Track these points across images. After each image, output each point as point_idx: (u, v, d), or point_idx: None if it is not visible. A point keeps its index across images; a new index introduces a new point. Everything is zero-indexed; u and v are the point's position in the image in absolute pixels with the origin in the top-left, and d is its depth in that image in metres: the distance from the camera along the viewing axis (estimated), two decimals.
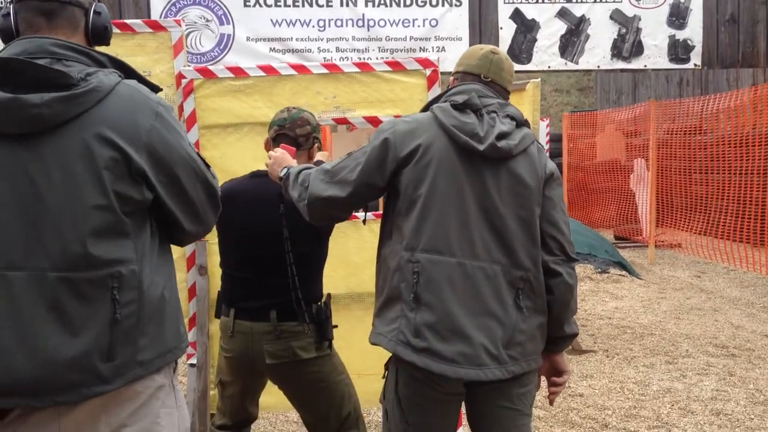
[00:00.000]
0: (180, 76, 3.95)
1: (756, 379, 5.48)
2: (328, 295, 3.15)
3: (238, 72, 3.95)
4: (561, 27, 9.54)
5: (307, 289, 2.98)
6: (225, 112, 3.98)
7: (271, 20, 9.35)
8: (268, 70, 3.97)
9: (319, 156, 3.29)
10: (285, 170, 2.70)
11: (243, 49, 9.34)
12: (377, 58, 9.46)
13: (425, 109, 2.61)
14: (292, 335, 2.95)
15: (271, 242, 2.94)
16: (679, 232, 11.74)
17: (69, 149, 1.83)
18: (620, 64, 9.66)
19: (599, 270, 9.24)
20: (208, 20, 9.29)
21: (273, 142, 3.09)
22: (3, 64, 1.84)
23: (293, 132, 3.05)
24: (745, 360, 5.97)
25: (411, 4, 9.48)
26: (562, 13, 9.50)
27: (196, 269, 3.98)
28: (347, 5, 9.41)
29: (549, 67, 9.66)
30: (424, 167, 2.41)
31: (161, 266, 1.97)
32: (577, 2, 9.54)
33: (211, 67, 3.97)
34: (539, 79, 6.07)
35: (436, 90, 3.98)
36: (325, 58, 9.39)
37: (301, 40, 9.37)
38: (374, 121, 4.02)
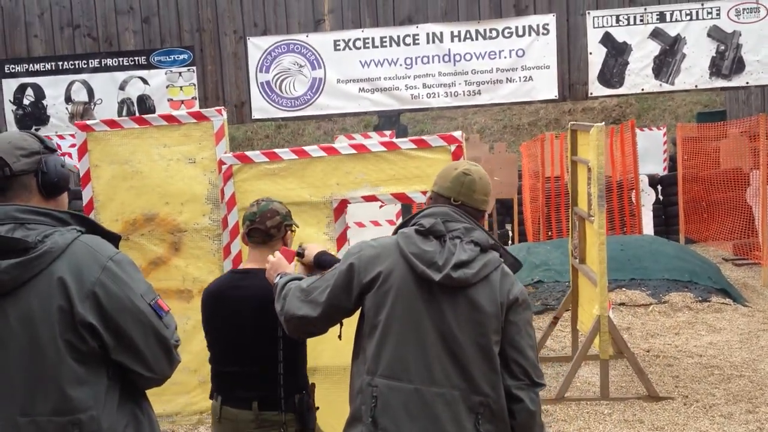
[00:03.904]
0: (221, 163, 4.24)
1: None
2: (312, 384, 3.28)
3: (272, 156, 4.20)
4: (654, 48, 9.26)
5: (289, 381, 3.11)
6: (262, 194, 4.22)
7: (360, 61, 9.61)
8: (300, 153, 4.19)
9: (314, 248, 3.34)
10: (278, 277, 2.84)
11: (334, 90, 9.66)
12: (464, 92, 9.56)
13: (397, 230, 2.68)
14: (273, 424, 3.08)
15: (252, 338, 3.10)
16: None
17: (28, 307, 2.08)
18: (720, 83, 9.26)
19: (699, 299, 8.85)
20: (301, 66, 9.67)
21: (248, 236, 3.23)
22: None
23: (264, 225, 3.17)
24: None
25: (497, 36, 9.49)
26: (656, 34, 9.22)
27: None
28: (433, 42, 9.54)
29: (642, 89, 9.40)
30: (385, 294, 2.50)
31: (123, 408, 2.16)
32: (671, 21, 9.23)
33: (248, 153, 4.23)
34: (603, 123, 5.96)
35: None
36: (412, 95, 9.55)
37: (389, 78, 9.58)
38: (402, 198, 4.16)
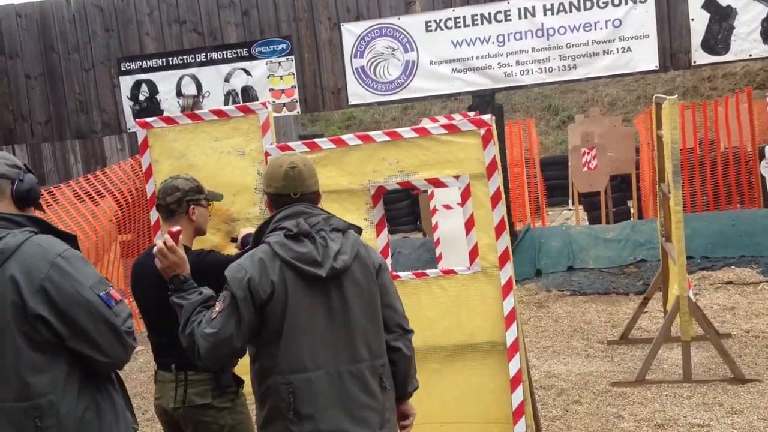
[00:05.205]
0: (266, 154, 4.43)
1: None
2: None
3: (312, 146, 4.34)
4: (762, 10, 8.67)
5: None
6: None
7: (452, 42, 9.58)
8: (338, 142, 4.32)
9: (243, 231, 3.70)
10: (178, 282, 2.89)
11: (427, 73, 9.69)
12: (559, 68, 9.34)
13: (258, 236, 2.88)
14: (190, 383, 3.39)
15: (161, 308, 3.27)
16: None
17: None
18: None
19: None
20: (394, 49, 9.76)
21: (158, 212, 3.58)
22: None
23: (164, 201, 3.46)
24: None
25: (592, 7, 9.18)
26: None
27: None
28: (525, 17, 9.36)
29: (750, 55, 8.83)
30: (282, 301, 2.72)
31: (83, 393, 2.39)
32: None
33: (290, 143, 4.39)
34: (676, 96, 5.71)
35: (491, 149, 4.07)
36: (505, 73, 9.44)
37: (481, 57, 9.50)
38: (436, 183, 4.21)
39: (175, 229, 2.98)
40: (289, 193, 2.89)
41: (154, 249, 2.95)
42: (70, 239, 2.49)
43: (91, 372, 2.45)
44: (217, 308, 2.75)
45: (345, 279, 2.81)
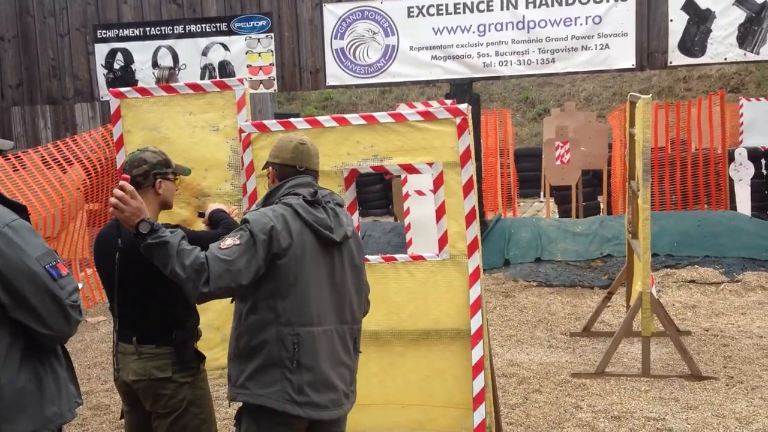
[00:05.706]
0: (240, 131, 4.41)
1: None
2: (197, 319, 3.54)
3: (287, 125, 4.32)
4: (740, 15, 8.78)
5: (163, 317, 3.34)
6: None
7: (433, 29, 9.57)
8: (314, 123, 4.30)
9: (212, 207, 3.85)
10: (146, 225, 2.80)
11: (406, 58, 9.68)
12: (537, 61, 9.37)
13: (269, 197, 3.10)
14: (150, 356, 3.38)
15: (122, 282, 3.33)
16: None
17: None
18: None
19: None
20: (374, 33, 9.73)
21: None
22: None
23: (131, 173, 3.43)
24: None
25: (573, 2, 9.22)
26: (741, 1, 8.74)
27: None
28: (507, 8, 9.38)
29: (725, 59, 8.94)
30: (298, 257, 2.92)
31: (25, 365, 2.37)
32: None
33: (265, 122, 4.37)
34: (650, 96, 5.78)
35: (466, 138, 4.08)
36: (484, 63, 9.45)
37: (462, 46, 9.51)
38: (409, 169, 4.21)
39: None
40: (295, 166, 3.16)
41: (111, 199, 2.85)
42: (20, 210, 2.46)
43: (34, 344, 2.42)
44: (228, 242, 2.84)
45: (345, 249, 3.13)
